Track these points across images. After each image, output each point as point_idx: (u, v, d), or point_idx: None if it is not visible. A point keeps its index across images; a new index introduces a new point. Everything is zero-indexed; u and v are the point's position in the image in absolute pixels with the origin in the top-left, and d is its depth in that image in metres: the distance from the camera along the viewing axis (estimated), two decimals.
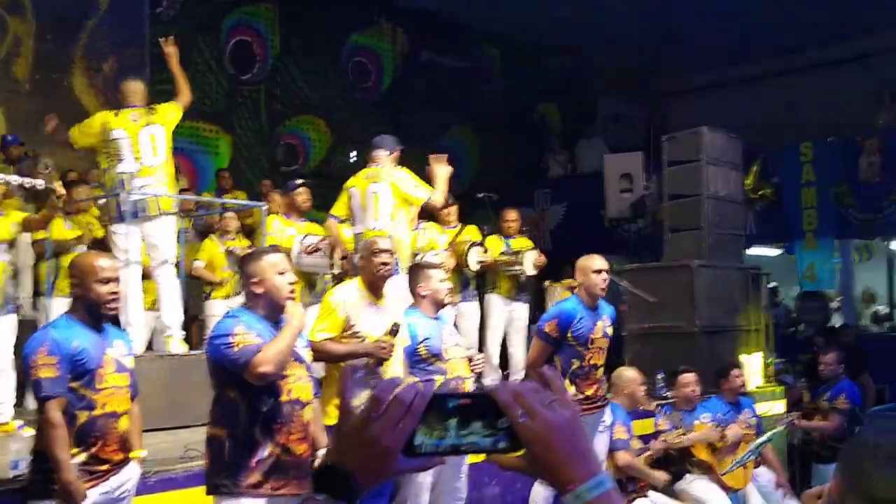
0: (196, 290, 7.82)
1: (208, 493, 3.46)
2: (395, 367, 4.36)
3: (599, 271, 5.22)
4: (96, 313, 3.54)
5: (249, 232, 8.33)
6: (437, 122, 13.31)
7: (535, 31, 13.71)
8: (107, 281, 3.51)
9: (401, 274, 5.40)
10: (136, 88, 6.20)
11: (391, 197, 6.00)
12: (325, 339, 4.23)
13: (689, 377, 6.13)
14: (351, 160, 12.84)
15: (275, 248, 6.32)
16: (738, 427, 6.03)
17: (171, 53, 6.37)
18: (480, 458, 4.97)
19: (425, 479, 4.55)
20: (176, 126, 6.31)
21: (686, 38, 13.08)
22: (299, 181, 7.05)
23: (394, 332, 4.26)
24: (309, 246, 6.40)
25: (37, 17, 10.28)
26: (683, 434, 5.89)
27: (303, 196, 6.85)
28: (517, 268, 7.60)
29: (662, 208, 8.80)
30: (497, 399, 1.07)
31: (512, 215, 7.99)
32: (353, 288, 4.46)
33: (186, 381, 5.36)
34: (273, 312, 3.54)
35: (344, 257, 6.37)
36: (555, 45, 14.30)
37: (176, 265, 6.28)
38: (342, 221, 6.23)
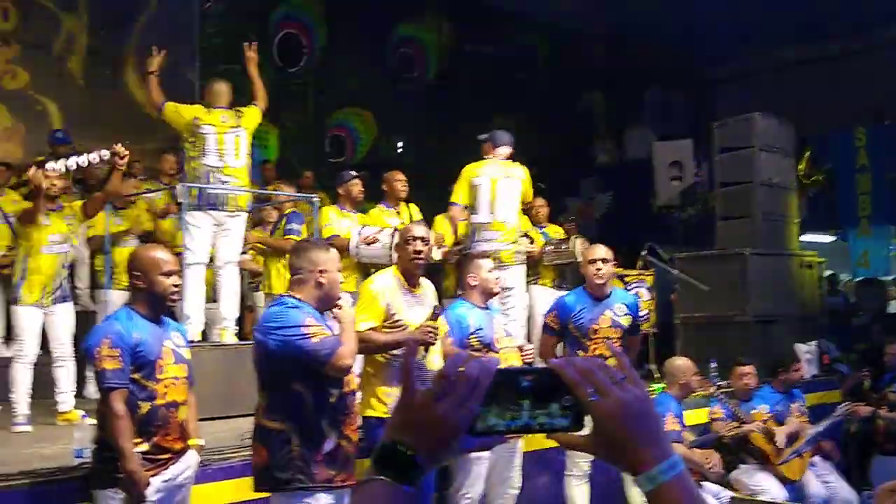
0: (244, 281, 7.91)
1: (268, 489, 3.44)
2: (435, 355, 4.25)
3: (594, 261, 5.16)
4: (158, 306, 3.60)
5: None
6: (482, 111, 13.27)
7: (580, 19, 13.59)
8: (169, 274, 3.57)
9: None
10: (222, 90, 6.38)
11: (520, 192, 6.42)
12: (368, 329, 4.12)
13: (746, 369, 6.06)
14: (398, 151, 12.88)
15: (331, 243, 6.50)
16: (788, 427, 5.93)
17: (252, 58, 6.55)
18: (534, 445, 5.04)
19: (480, 468, 4.56)
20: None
21: (732, 23, 12.86)
22: (353, 172, 7.08)
23: (435, 316, 4.14)
24: (368, 237, 6.43)
25: (90, 14, 10.46)
26: (738, 426, 5.83)
27: (357, 187, 6.89)
28: (566, 258, 7.55)
29: (713, 196, 8.69)
30: (564, 376, 1.04)
31: (539, 201, 7.95)
32: (391, 276, 4.35)
33: (240, 370, 5.39)
34: (325, 305, 3.58)
35: (457, 243, 6.56)
36: (600, 32, 14.17)
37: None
38: (465, 209, 6.48)
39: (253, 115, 6.43)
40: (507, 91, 13.71)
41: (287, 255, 4.32)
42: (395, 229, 6.46)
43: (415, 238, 4.32)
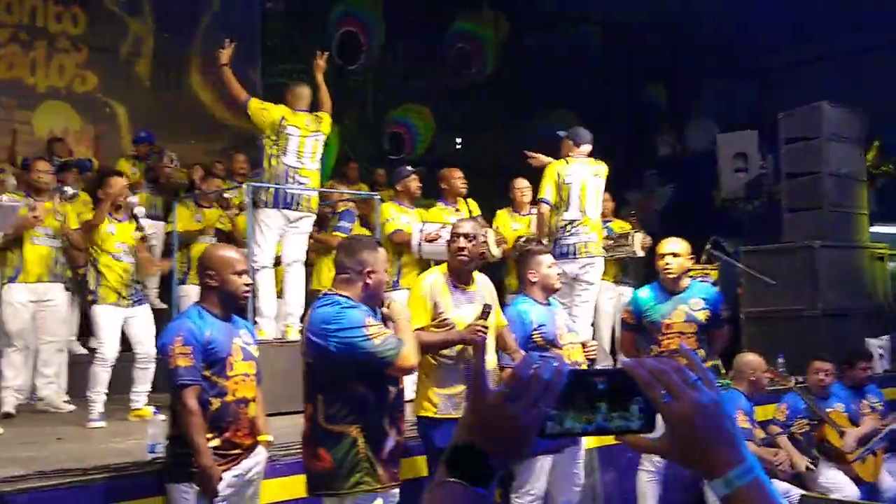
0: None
1: (332, 494, 3.42)
2: (490, 353, 4.14)
3: (663, 255, 5.10)
4: (229, 304, 3.67)
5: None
6: (540, 106, 13.22)
7: (639, 10, 13.40)
8: (241, 273, 3.64)
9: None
10: (305, 94, 6.51)
11: (602, 188, 6.59)
12: (417, 330, 3.97)
13: (820, 365, 5.92)
14: (457, 147, 12.89)
15: (393, 237, 6.57)
16: (861, 430, 5.79)
17: (321, 67, 6.67)
18: (598, 442, 5.00)
19: (543, 464, 4.54)
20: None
21: (797, 10, 12.53)
22: (410, 167, 7.13)
23: (485, 314, 4.01)
24: (429, 234, 6.46)
25: (155, 18, 10.70)
26: (808, 423, 5.72)
27: (415, 182, 6.93)
28: (626, 252, 7.49)
29: (779, 187, 8.52)
30: (636, 377, 1.02)
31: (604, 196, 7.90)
32: (439, 274, 4.28)
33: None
34: (373, 303, 3.58)
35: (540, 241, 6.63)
36: (659, 23, 13.96)
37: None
38: (553, 207, 6.54)
39: (328, 122, 6.57)
40: (566, 85, 13.62)
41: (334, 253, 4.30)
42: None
43: (459, 235, 4.25)
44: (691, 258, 5.20)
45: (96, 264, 5.87)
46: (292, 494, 4.28)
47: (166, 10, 10.75)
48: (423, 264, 6.67)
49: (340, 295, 3.48)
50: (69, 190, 6.84)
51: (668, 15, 13.23)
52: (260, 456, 3.72)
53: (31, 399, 6.61)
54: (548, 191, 6.54)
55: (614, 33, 14.45)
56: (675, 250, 5.11)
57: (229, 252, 3.75)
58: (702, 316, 5.07)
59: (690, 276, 7.62)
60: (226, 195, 7.98)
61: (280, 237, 6.40)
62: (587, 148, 6.72)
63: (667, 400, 1.01)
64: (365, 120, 12.65)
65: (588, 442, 4.97)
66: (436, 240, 6.40)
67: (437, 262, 6.58)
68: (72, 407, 6.29)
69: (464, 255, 4.23)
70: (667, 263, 5.08)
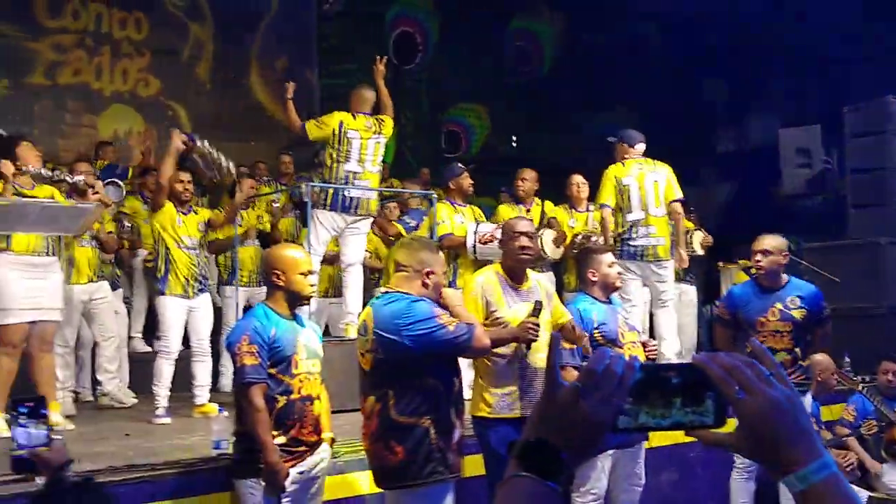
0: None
1: (408, 485, 3.44)
2: (541, 353, 4.07)
3: (754, 253, 5.06)
4: (294, 303, 3.72)
5: None
6: (597, 103, 13.13)
7: (696, 4, 13.21)
8: (307, 273, 3.69)
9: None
10: (367, 97, 6.59)
11: (665, 187, 6.50)
12: None
13: (890, 365, 5.77)
14: (513, 145, 12.88)
15: (442, 242, 6.60)
16: None
17: (381, 71, 6.74)
18: (659, 441, 4.96)
19: (605, 463, 4.52)
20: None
21: (859, 2, 12.25)
22: (461, 165, 7.14)
23: (536, 311, 3.95)
24: (484, 235, 6.47)
25: (215, 21, 10.89)
26: (877, 424, 5.59)
27: (468, 180, 6.95)
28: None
29: (844, 183, 8.34)
30: (709, 372, 1.01)
31: None
32: (492, 273, 4.23)
33: None
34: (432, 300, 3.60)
35: (585, 236, 6.83)
36: (719, 17, 13.74)
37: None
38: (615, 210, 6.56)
39: (390, 125, 6.64)
40: (623, 82, 13.50)
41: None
42: None
43: (520, 233, 4.20)
44: (785, 255, 5.10)
45: (166, 255, 5.98)
46: (354, 491, 4.34)
47: (226, 13, 10.94)
48: (479, 265, 6.68)
49: (402, 292, 3.51)
50: (114, 191, 6.99)
51: (727, 9, 13.03)
52: (324, 453, 3.77)
53: (96, 395, 6.79)
54: (608, 196, 6.51)
55: (672, 28, 14.28)
56: (766, 247, 5.06)
57: (295, 252, 3.81)
58: (797, 314, 5.00)
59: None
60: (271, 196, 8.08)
61: (335, 238, 6.48)
62: (641, 147, 6.69)
63: (740, 395, 1.01)
64: (421, 119, 12.71)
65: (650, 441, 4.94)
66: (490, 241, 6.41)
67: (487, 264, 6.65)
68: (135, 400, 6.44)
69: (528, 254, 4.21)
70: (757, 261, 5.06)
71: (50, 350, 5.45)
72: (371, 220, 6.65)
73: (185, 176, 6.19)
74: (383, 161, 10.78)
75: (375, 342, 3.42)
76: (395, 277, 3.61)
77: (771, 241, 5.08)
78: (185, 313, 5.98)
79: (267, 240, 7.89)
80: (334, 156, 6.38)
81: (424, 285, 3.53)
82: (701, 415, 1.03)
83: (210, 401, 6.03)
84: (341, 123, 6.38)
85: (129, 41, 10.36)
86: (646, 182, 6.47)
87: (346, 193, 6.31)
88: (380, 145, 6.51)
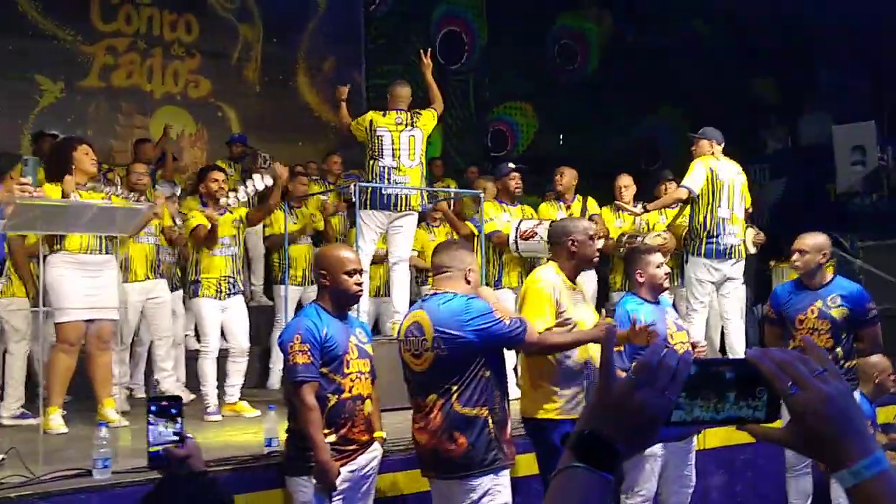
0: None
1: (474, 473, 3.52)
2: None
3: (792, 252, 5.04)
4: (342, 303, 3.76)
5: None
6: (644, 102, 13.03)
7: (747, 1, 13.03)
8: (352, 273, 3.72)
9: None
10: (403, 93, 6.62)
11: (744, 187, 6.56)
12: (545, 330, 3.94)
13: None
14: (560, 143, 12.82)
15: (492, 238, 6.61)
16: None
17: (428, 65, 6.78)
18: (709, 443, 4.91)
19: (655, 465, 4.50)
20: None
21: None
22: (511, 165, 7.13)
23: (608, 312, 4.13)
24: (525, 231, 6.47)
25: (263, 22, 11.01)
26: None
27: (515, 180, 6.95)
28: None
29: None
30: (761, 368, 1.03)
31: None
32: (554, 273, 4.18)
33: None
34: None
35: (632, 235, 6.84)
36: (769, 14, 13.54)
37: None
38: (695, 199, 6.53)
39: (429, 118, 6.61)
40: (671, 80, 13.37)
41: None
42: (553, 223, 6.47)
43: (597, 237, 4.27)
44: (824, 254, 5.02)
45: (197, 257, 6.04)
46: (400, 490, 4.37)
47: (275, 16, 11.05)
48: (525, 262, 6.68)
49: (449, 291, 3.61)
50: (167, 190, 7.10)
51: (778, 6, 12.84)
52: (375, 452, 3.79)
53: (154, 392, 6.90)
54: (697, 182, 6.41)
55: (721, 26, 14.10)
56: (802, 246, 4.99)
57: (342, 252, 3.83)
58: (836, 313, 4.91)
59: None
60: (322, 196, 8.14)
61: (381, 237, 6.51)
62: (721, 146, 6.66)
63: (793, 391, 1.02)
64: (467, 118, 12.71)
65: (700, 443, 4.90)
66: (531, 237, 6.41)
67: (536, 260, 6.64)
68: (192, 396, 6.54)
69: (597, 258, 4.33)
70: (793, 260, 5.01)
71: (107, 348, 5.54)
72: (415, 216, 6.64)
73: (220, 175, 6.24)
74: (436, 158, 11.07)
75: (437, 340, 3.52)
76: (439, 279, 3.71)
77: (808, 240, 5.01)
78: (219, 312, 6.03)
79: (321, 238, 7.97)
80: (370, 154, 6.44)
81: (467, 282, 3.66)
82: (754, 409, 1.05)
83: (258, 399, 6.10)
84: (371, 122, 6.45)
85: (179, 43, 10.51)
86: (735, 182, 6.48)
87: (384, 191, 6.33)
88: (414, 139, 6.47)
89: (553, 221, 5.38)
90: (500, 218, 6.84)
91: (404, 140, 6.43)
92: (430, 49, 6.99)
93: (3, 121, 9.28)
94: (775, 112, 14.44)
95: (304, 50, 11.32)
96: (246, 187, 6.21)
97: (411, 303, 7.89)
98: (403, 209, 6.42)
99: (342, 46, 11.47)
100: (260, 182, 6.15)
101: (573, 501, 1.03)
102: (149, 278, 6.47)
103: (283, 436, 3.89)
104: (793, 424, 1.04)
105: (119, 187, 5.83)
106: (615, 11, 13.59)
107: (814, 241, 5.02)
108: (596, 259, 4.32)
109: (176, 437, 2.16)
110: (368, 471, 3.76)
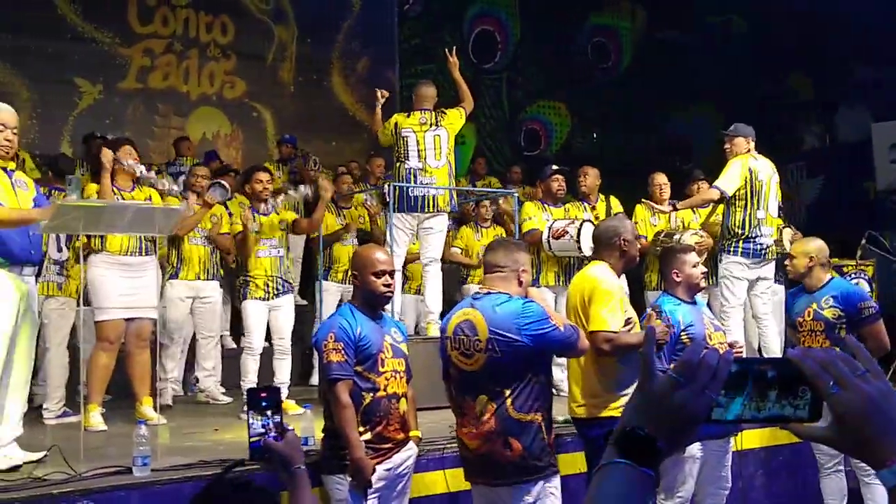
0: (452, 276, 8.11)
1: (528, 479, 3.49)
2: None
3: (789, 257, 5.12)
4: (372, 303, 3.77)
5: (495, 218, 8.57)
6: (678, 99, 12.92)
7: None
8: (382, 274, 3.72)
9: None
10: (428, 93, 6.61)
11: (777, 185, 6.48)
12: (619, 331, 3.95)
13: None
14: (594, 141, 12.76)
15: (525, 237, 6.59)
16: None
17: (455, 63, 6.77)
18: (745, 445, 4.86)
19: (692, 467, 4.46)
20: None
21: None
22: (553, 167, 7.11)
23: (658, 314, 4.08)
24: (557, 230, 6.45)
25: (298, 23, 11.09)
26: None
27: (557, 182, 6.92)
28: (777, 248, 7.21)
29: None
30: (803, 367, 1.03)
31: None
32: (610, 272, 4.15)
33: None
34: None
35: (668, 234, 6.76)
36: (803, 10, 13.35)
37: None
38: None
39: (456, 116, 6.56)
40: (705, 77, 13.25)
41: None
42: (585, 222, 6.44)
43: (634, 238, 4.24)
44: (811, 258, 5.01)
45: (245, 264, 6.09)
46: (435, 490, 4.37)
47: (309, 16, 11.12)
48: (560, 262, 6.66)
49: (501, 292, 3.57)
50: (220, 192, 7.18)
51: (812, 2, 12.66)
52: (411, 451, 3.81)
53: (192, 390, 6.99)
54: (733, 183, 6.28)
55: (755, 21, 13.95)
56: (792, 251, 5.16)
57: (373, 253, 3.83)
58: (829, 314, 4.95)
59: (845, 273, 7.38)
60: (364, 195, 8.18)
61: (413, 238, 6.52)
62: (754, 141, 6.52)
63: (835, 390, 1.02)
64: (501, 117, 12.70)
65: (737, 444, 4.85)
66: (562, 236, 6.38)
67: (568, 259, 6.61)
68: (229, 399, 6.61)
69: (637, 259, 4.34)
70: (785, 264, 5.15)
71: (146, 347, 5.63)
72: (445, 216, 6.61)
73: (265, 176, 6.29)
74: (475, 156, 11.06)
75: (492, 342, 3.47)
76: (491, 278, 3.66)
77: (797, 246, 5.13)
78: (266, 313, 6.09)
79: (367, 238, 8.00)
80: (397, 156, 6.45)
81: (520, 283, 3.62)
82: (796, 408, 1.06)
83: (303, 397, 6.14)
84: (396, 124, 6.44)
85: (215, 44, 10.62)
86: (771, 181, 6.40)
87: (410, 193, 6.32)
88: (440, 138, 6.43)
89: (601, 221, 5.34)
90: (541, 218, 6.83)
91: (429, 140, 6.40)
92: (454, 47, 6.95)
93: (43, 123, 9.44)
94: (811, 108, 14.24)
95: (339, 50, 11.38)
96: (296, 191, 6.31)
97: (451, 302, 7.95)
98: (431, 210, 6.39)
99: (376, 46, 11.51)
100: (304, 191, 6.27)
101: (615, 497, 1.05)
102: (200, 279, 6.57)
103: (320, 435, 3.92)
104: (835, 424, 1.04)
105: (169, 184, 5.91)
106: (648, 8, 13.49)
107: (802, 246, 5.11)
108: (636, 259, 4.31)
109: (267, 430, 2.11)
110: (404, 469, 3.77)
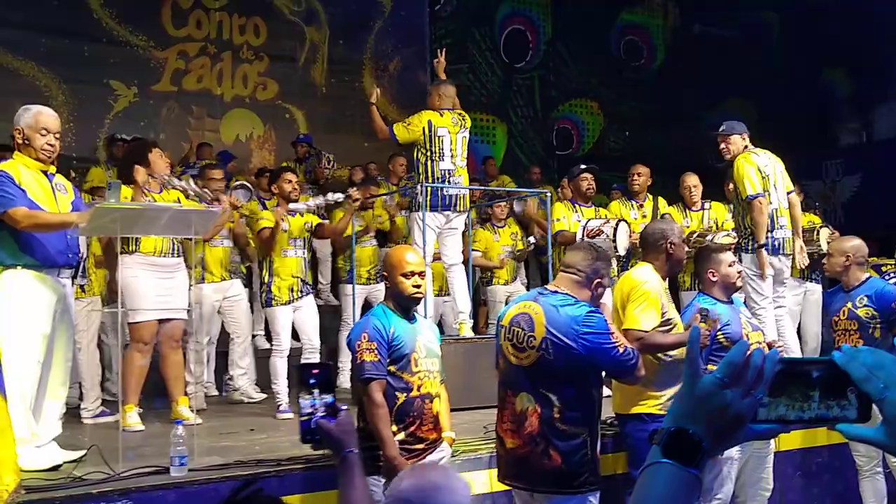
0: (473, 278, 8.09)
1: (566, 491, 3.47)
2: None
3: (827, 255, 5.07)
4: (402, 303, 3.77)
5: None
6: (711, 95, 12.79)
7: None
8: (410, 275, 3.72)
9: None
10: (450, 92, 6.61)
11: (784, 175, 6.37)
12: (652, 330, 3.95)
13: None
14: (626, 140, 12.68)
15: (556, 237, 6.56)
16: None
17: (443, 64, 6.89)
18: (786, 446, 4.80)
19: (731, 469, 4.42)
20: None
21: None
22: (582, 166, 7.07)
23: (703, 317, 4.04)
24: (592, 229, 6.42)
25: (330, 25, 11.13)
26: None
27: (586, 182, 6.88)
28: (812, 247, 7.12)
29: None
30: (850, 369, 1.03)
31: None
32: (653, 273, 4.15)
33: (478, 363, 5.52)
34: None
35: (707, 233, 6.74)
36: (840, 4, 13.16)
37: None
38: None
39: (469, 120, 6.66)
40: (739, 73, 13.11)
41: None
42: (620, 221, 6.41)
43: (680, 241, 4.22)
44: (847, 257, 4.94)
45: (270, 264, 6.09)
46: (473, 490, 4.35)
47: (341, 18, 11.17)
48: None
49: (570, 295, 3.53)
50: (244, 193, 7.23)
51: None
52: (444, 451, 3.79)
53: (225, 390, 7.04)
54: (758, 185, 6.18)
55: (790, 17, 13.76)
56: (829, 249, 5.11)
57: (403, 254, 3.83)
58: (862, 313, 4.93)
59: (884, 272, 7.27)
60: (386, 197, 8.19)
61: (437, 237, 6.53)
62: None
63: (886, 394, 1.01)
64: (532, 117, 12.66)
65: (776, 445, 4.80)
66: (597, 235, 6.35)
67: None
68: (263, 395, 6.64)
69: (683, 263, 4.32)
70: (822, 263, 5.12)
71: (179, 347, 5.67)
72: (465, 216, 6.62)
73: (293, 177, 6.32)
74: (490, 157, 11.05)
75: (547, 342, 3.44)
76: (564, 278, 3.61)
77: (834, 245, 5.11)
78: (291, 315, 6.11)
79: (386, 238, 8.01)
80: (428, 155, 6.38)
81: (593, 294, 3.57)
82: (843, 409, 1.05)
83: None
84: (430, 122, 6.36)
85: (248, 46, 10.70)
86: (776, 171, 6.29)
87: (446, 192, 6.33)
88: (465, 140, 6.50)
89: (647, 224, 5.29)
90: (570, 219, 6.80)
91: (459, 141, 6.44)
92: (444, 49, 7.09)
93: (79, 125, 9.56)
94: (848, 104, 14.03)
95: (370, 51, 11.41)
96: (325, 198, 6.36)
97: (477, 301, 7.96)
98: (461, 208, 6.44)
99: (407, 47, 11.53)
100: (330, 197, 6.32)
101: (661, 497, 1.05)
102: (224, 279, 6.66)
103: None
104: (886, 426, 1.03)
105: (191, 186, 5.96)
106: (681, 4, 13.38)
107: (839, 244, 5.08)
108: (682, 261, 4.30)
109: (314, 410, 1.94)
110: None
